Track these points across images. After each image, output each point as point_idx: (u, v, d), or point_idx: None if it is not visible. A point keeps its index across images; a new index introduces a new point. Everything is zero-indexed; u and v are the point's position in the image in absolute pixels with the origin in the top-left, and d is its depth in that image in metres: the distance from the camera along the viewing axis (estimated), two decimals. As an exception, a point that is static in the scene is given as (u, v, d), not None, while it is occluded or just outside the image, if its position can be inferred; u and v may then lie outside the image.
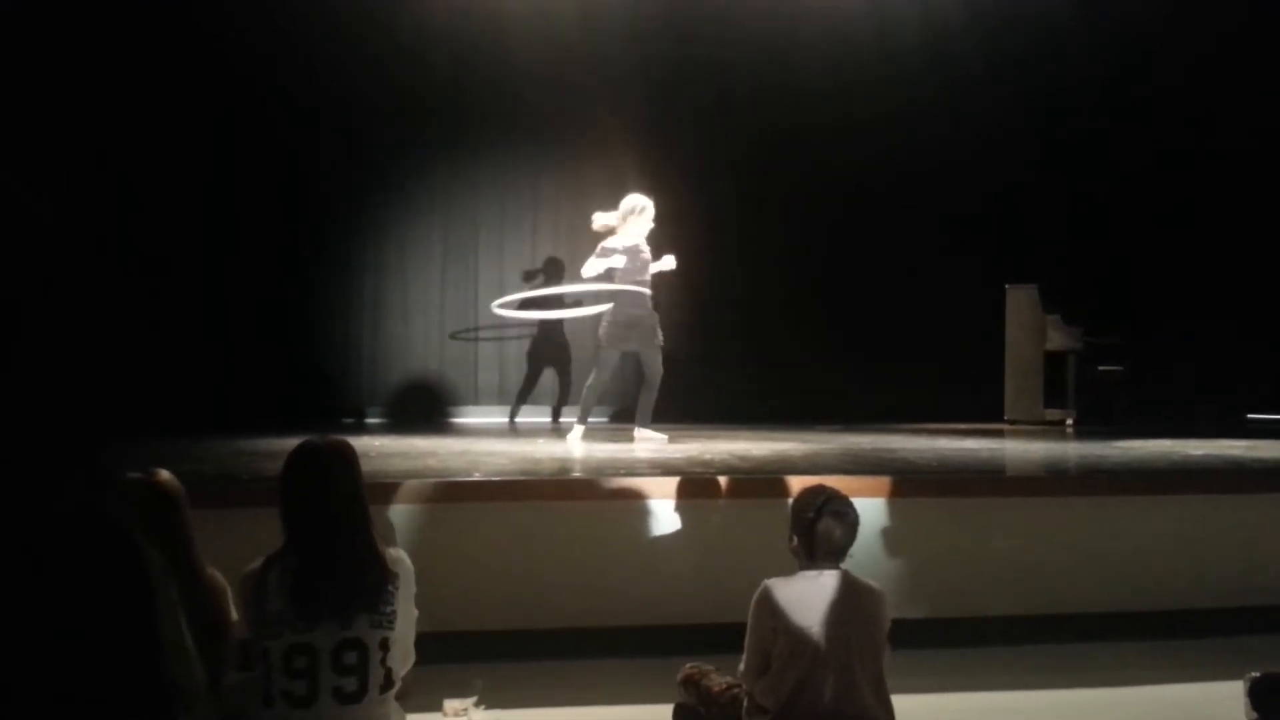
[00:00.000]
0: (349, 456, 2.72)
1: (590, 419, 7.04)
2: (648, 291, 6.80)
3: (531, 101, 9.30)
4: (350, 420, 8.78)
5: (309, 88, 8.74)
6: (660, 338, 6.82)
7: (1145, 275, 9.69)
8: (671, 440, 6.78)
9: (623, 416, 8.42)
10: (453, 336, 9.44)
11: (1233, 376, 9.50)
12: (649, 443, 6.71)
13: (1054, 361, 9.09)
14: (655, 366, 6.81)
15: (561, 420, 8.93)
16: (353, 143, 9.01)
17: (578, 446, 6.59)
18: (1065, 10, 9.40)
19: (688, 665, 3.46)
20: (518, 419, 9.23)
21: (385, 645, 2.56)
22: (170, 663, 1.70)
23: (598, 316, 7.09)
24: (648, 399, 6.86)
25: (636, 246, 6.76)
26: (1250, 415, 9.62)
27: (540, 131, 9.52)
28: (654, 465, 5.44)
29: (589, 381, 6.94)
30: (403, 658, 2.65)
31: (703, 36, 9.43)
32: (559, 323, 9.30)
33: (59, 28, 7.93)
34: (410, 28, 8.84)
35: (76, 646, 1.55)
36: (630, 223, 6.78)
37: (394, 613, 2.59)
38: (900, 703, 3.07)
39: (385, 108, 9.05)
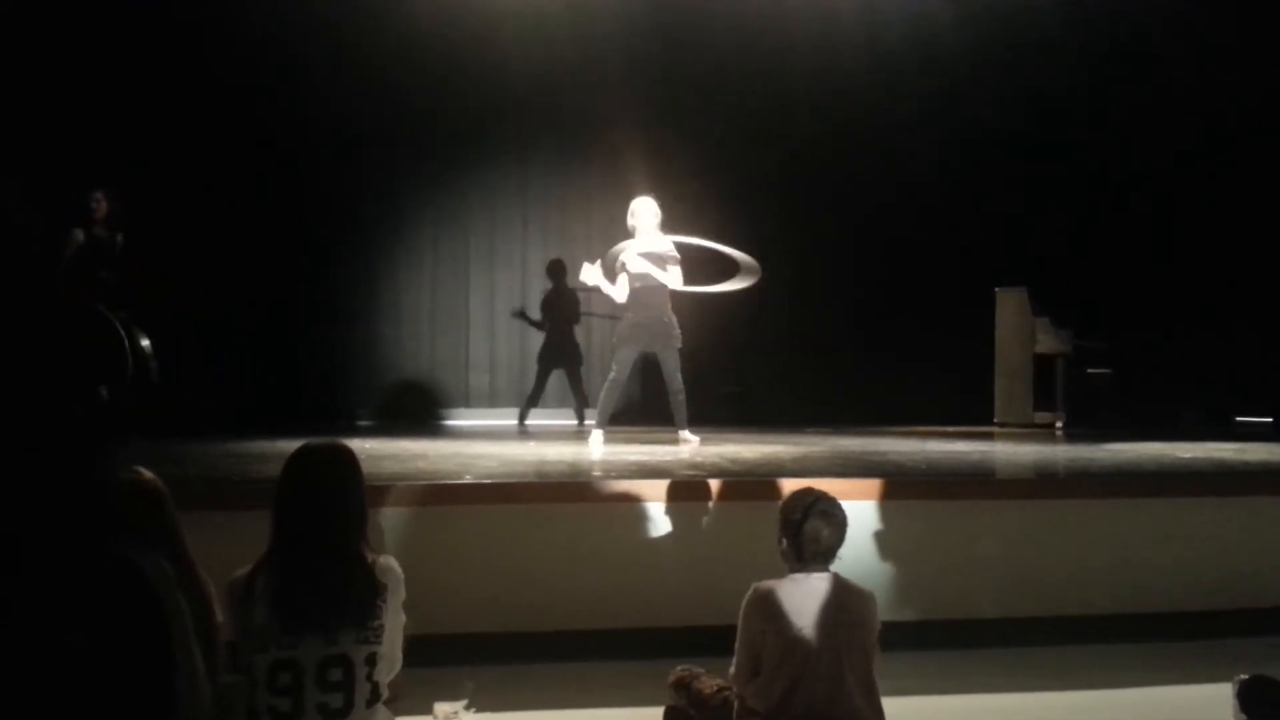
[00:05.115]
0: (349, 462, 2.64)
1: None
2: (664, 292, 6.72)
3: (522, 105, 9.32)
4: (341, 422, 8.75)
5: (301, 95, 8.76)
6: (678, 339, 6.76)
7: (1134, 278, 9.72)
8: (703, 443, 6.75)
9: (632, 419, 8.45)
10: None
11: (1221, 379, 9.53)
12: (689, 444, 6.67)
13: (1043, 364, 9.10)
14: (671, 368, 6.74)
15: (586, 423, 8.77)
16: (344, 147, 9.01)
17: (597, 450, 6.48)
18: (1057, 14, 9.42)
19: (678, 668, 3.46)
20: (529, 421, 9.14)
21: (372, 660, 2.50)
22: (182, 683, 1.69)
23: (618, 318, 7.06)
24: (676, 403, 6.80)
25: (643, 249, 6.75)
26: (1238, 418, 9.65)
27: (530, 135, 9.54)
28: (645, 468, 5.44)
29: (607, 382, 6.87)
30: (389, 666, 2.58)
31: (694, 42, 9.45)
32: (570, 325, 9.30)
33: (60, 39, 7.96)
34: (401, 34, 8.85)
35: (93, 675, 1.54)
36: (633, 228, 6.83)
37: (381, 626, 2.52)
38: (890, 705, 3.07)
39: (376, 113, 9.07)
